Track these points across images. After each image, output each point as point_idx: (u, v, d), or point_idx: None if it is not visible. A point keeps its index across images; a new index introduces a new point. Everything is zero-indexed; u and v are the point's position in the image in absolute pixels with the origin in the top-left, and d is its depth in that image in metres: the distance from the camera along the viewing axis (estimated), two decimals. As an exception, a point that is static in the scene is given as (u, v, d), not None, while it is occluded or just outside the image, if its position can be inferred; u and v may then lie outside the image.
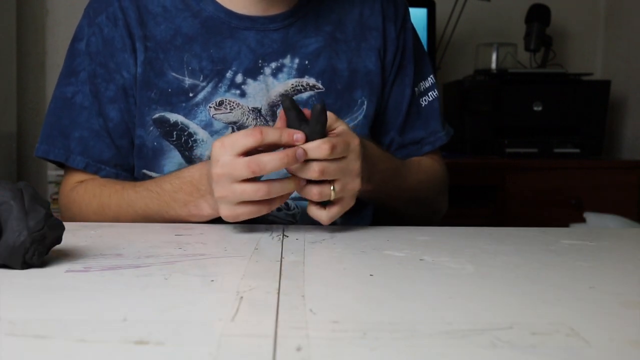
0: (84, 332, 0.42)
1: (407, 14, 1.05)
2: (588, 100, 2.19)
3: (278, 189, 0.73)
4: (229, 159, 0.72)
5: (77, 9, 2.18)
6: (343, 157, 0.75)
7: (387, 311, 0.49)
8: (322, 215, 0.77)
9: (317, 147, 0.73)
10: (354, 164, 0.77)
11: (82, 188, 0.94)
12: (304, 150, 0.72)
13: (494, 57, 2.32)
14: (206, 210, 0.82)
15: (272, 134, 0.72)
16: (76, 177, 0.96)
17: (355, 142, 0.77)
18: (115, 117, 0.94)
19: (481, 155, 2.17)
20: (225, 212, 0.75)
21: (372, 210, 1.05)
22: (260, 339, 0.41)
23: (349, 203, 0.79)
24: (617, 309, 0.50)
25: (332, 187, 0.75)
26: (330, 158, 0.73)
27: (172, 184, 0.84)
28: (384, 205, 0.97)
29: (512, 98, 2.16)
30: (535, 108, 2.16)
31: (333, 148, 0.73)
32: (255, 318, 0.46)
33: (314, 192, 0.75)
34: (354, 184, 0.77)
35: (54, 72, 2.30)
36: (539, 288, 0.57)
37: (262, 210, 0.75)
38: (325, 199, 0.76)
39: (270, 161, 0.71)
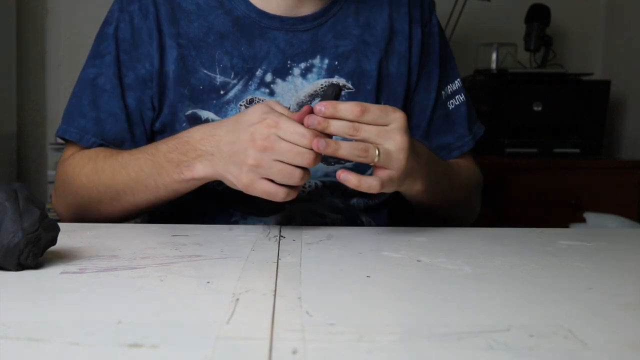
0: (77, 335, 0.42)
1: (433, 16, 1.04)
2: (588, 100, 2.19)
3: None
4: (276, 138, 0.72)
5: (77, 9, 2.20)
6: (383, 125, 0.74)
7: (384, 313, 0.49)
8: (373, 182, 0.74)
9: (348, 108, 0.72)
10: (397, 134, 0.74)
11: (80, 153, 0.94)
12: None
13: (494, 57, 2.32)
14: (199, 171, 0.80)
15: (322, 144, 0.71)
16: (79, 148, 0.96)
17: (397, 113, 0.75)
18: (131, 104, 0.95)
19: (481, 155, 2.16)
20: (245, 179, 0.75)
21: (388, 211, 1.04)
22: (255, 341, 0.41)
23: (399, 178, 0.76)
24: (615, 311, 0.50)
25: (377, 150, 0.74)
26: (364, 121, 0.73)
27: (168, 145, 0.83)
28: (431, 207, 0.95)
29: (512, 98, 2.16)
30: (535, 108, 2.16)
31: (364, 110, 0.72)
32: (251, 320, 0.46)
33: (360, 148, 0.73)
34: (400, 155, 0.75)
35: (54, 72, 2.30)
36: (536, 289, 0.57)
37: (278, 193, 0.75)
38: (368, 159, 0.74)
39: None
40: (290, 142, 0.72)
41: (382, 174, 0.75)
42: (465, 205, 1.03)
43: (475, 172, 1.06)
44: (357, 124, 0.73)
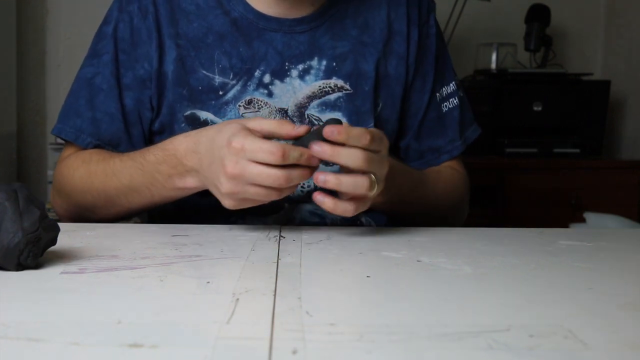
0: (77, 335, 0.42)
1: (431, 17, 1.03)
2: (588, 100, 2.19)
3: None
4: (245, 164, 0.70)
5: (77, 9, 2.20)
6: (378, 151, 0.74)
7: (384, 313, 0.49)
8: (348, 207, 0.74)
9: (360, 135, 0.71)
10: (387, 162, 0.76)
11: (75, 154, 0.94)
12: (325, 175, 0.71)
13: (493, 57, 2.32)
14: (191, 183, 0.81)
15: (294, 155, 0.70)
16: (77, 149, 0.96)
17: (385, 140, 0.76)
18: (129, 104, 0.95)
19: (481, 155, 2.16)
20: (227, 203, 0.74)
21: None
22: (255, 341, 0.41)
23: (372, 200, 0.77)
24: (615, 311, 0.50)
25: (373, 178, 0.73)
26: (370, 149, 0.72)
27: (156, 156, 0.83)
28: (397, 214, 0.96)
29: (512, 98, 2.16)
30: (535, 108, 2.16)
31: (373, 139, 0.72)
32: (251, 320, 0.46)
33: (363, 186, 0.72)
34: (383, 181, 0.76)
35: (54, 72, 2.30)
36: (536, 289, 0.57)
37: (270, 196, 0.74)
38: (370, 193, 0.73)
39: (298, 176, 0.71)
40: (261, 164, 0.69)
41: (357, 204, 0.75)
42: (445, 211, 1.02)
43: (461, 179, 1.05)
44: (370, 157, 0.71)
